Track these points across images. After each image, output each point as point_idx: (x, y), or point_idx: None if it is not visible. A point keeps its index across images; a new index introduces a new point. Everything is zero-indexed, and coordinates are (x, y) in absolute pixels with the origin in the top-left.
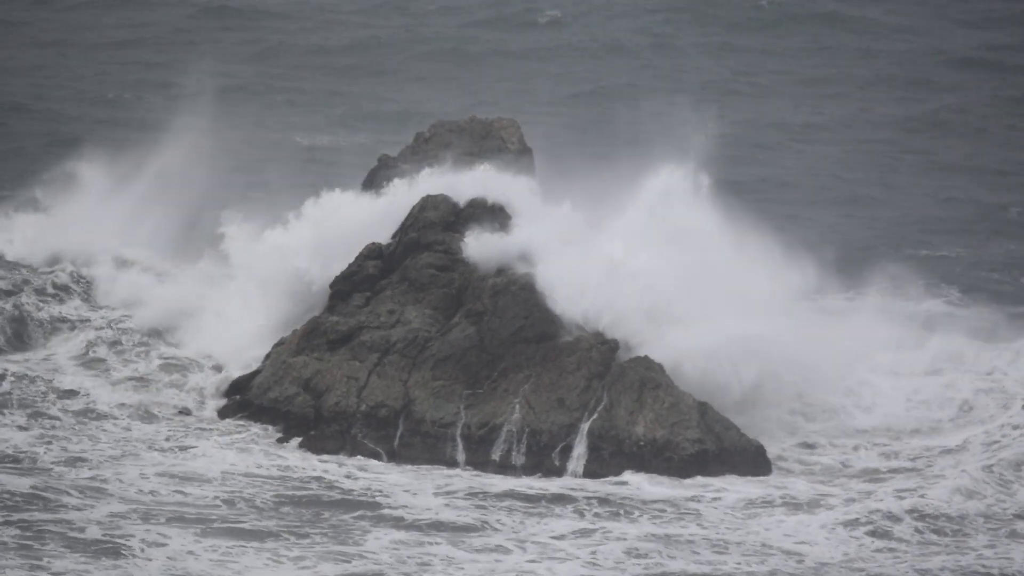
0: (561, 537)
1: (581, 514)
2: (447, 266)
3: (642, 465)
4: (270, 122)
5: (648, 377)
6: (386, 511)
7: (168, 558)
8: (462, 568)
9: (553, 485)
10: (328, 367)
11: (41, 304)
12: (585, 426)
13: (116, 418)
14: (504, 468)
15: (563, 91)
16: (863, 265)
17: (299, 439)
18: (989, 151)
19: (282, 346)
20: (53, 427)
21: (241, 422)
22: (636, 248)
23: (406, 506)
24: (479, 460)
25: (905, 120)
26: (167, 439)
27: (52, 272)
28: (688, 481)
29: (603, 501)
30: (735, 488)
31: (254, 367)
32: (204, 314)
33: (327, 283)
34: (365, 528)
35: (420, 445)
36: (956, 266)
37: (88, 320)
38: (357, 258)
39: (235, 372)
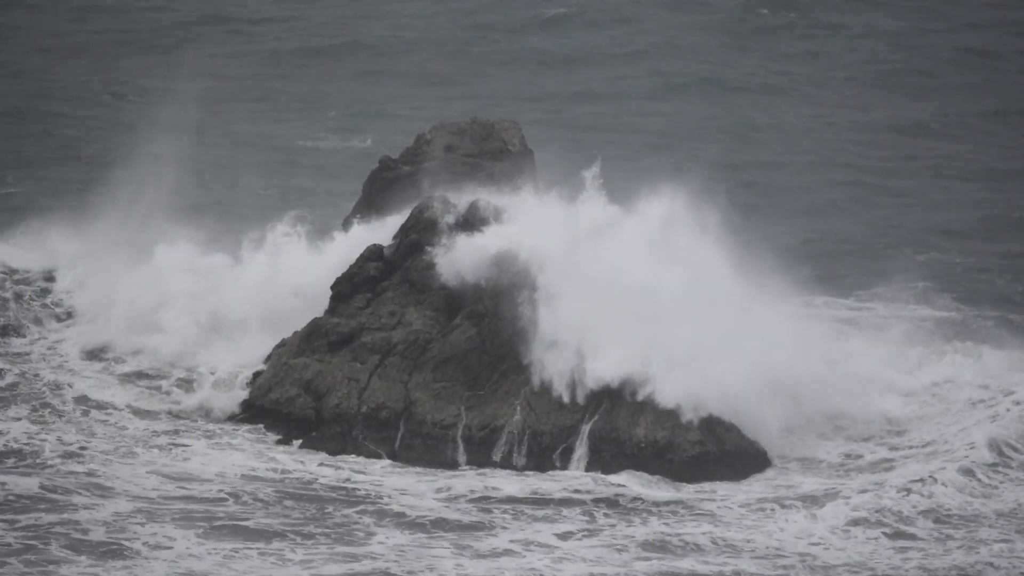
0: (567, 537)
1: (587, 515)
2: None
3: (643, 467)
4: (272, 124)
5: None
6: (390, 512)
7: (174, 559)
8: (468, 569)
9: (557, 487)
10: (329, 368)
11: (45, 298)
12: (586, 427)
13: (119, 416)
14: (505, 470)
15: (566, 92)
16: (864, 268)
17: (300, 440)
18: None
19: (283, 347)
20: (57, 424)
21: (242, 423)
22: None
23: (410, 507)
24: (480, 461)
25: (908, 120)
26: (169, 439)
27: (54, 271)
28: (689, 483)
29: (607, 502)
30: (739, 488)
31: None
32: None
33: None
34: (369, 529)
35: (421, 447)
36: (957, 269)
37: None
38: (358, 259)
39: (238, 371)
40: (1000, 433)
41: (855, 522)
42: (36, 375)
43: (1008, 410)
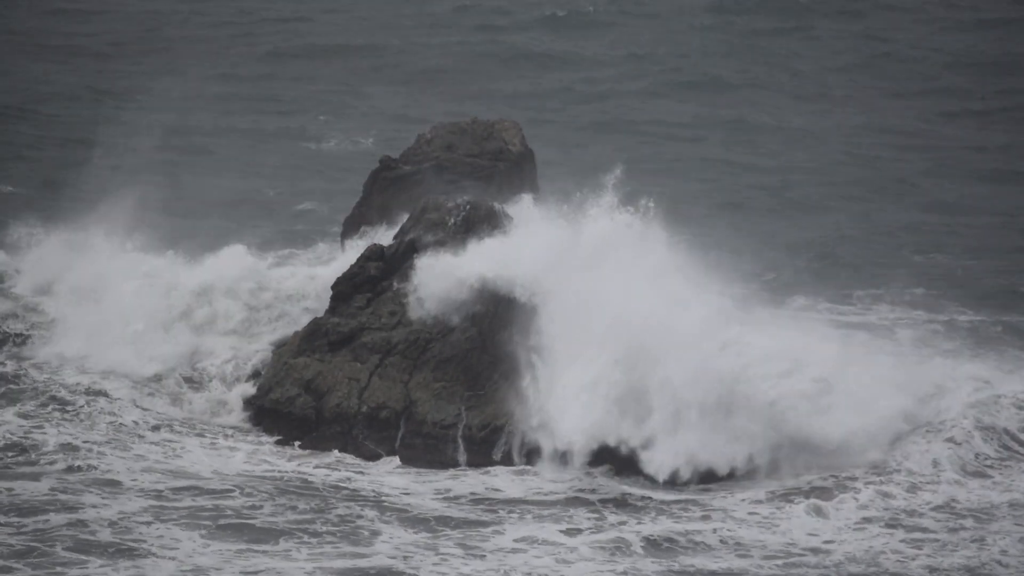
0: (574, 535)
1: (594, 513)
2: None
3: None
4: (274, 124)
5: None
6: (393, 510)
7: (182, 559)
8: (476, 566)
9: (563, 486)
10: (329, 368)
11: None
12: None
13: (119, 414)
14: (507, 467)
15: (567, 90)
16: (864, 268)
17: (300, 440)
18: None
19: (283, 347)
20: (61, 422)
21: (246, 422)
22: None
23: (413, 506)
24: (481, 461)
25: (910, 121)
26: (170, 438)
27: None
28: (698, 482)
29: (615, 501)
30: (748, 486)
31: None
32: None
33: None
34: (374, 527)
35: (421, 446)
36: (958, 271)
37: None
38: (359, 259)
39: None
40: (1010, 427)
41: (866, 519)
42: (36, 370)
43: (1020, 408)
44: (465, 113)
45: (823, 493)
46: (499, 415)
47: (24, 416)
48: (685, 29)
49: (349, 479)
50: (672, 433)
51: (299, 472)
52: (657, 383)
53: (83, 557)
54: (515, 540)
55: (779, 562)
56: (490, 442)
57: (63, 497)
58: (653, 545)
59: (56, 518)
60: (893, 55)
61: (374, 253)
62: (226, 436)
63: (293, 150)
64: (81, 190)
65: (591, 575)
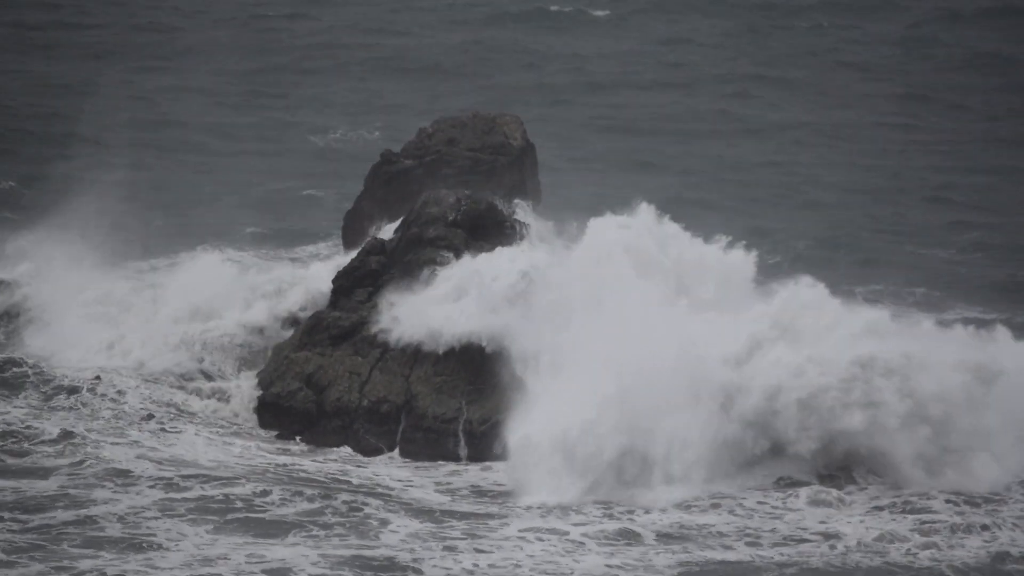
0: (582, 527)
1: (602, 505)
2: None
3: None
4: (276, 122)
5: None
6: (398, 504)
7: (190, 551)
8: (485, 558)
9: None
10: (330, 362)
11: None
12: None
13: (121, 412)
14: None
15: (568, 88)
16: (863, 267)
17: (301, 434)
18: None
19: (284, 341)
20: (61, 411)
21: (244, 417)
22: None
23: (417, 499)
24: (481, 455)
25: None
26: (171, 435)
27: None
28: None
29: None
30: (757, 475)
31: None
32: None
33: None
34: (381, 520)
35: (422, 440)
36: (960, 269)
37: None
38: (359, 253)
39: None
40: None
41: (877, 507)
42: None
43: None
44: (473, 107)
45: (834, 480)
46: (500, 409)
47: (25, 406)
48: (689, 25)
49: (351, 472)
50: None
51: (301, 465)
52: None
53: (93, 550)
54: (521, 531)
55: (790, 550)
56: (491, 436)
57: (72, 492)
58: (663, 536)
59: (64, 515)
60: (899, 52)
61: (375, 247)
62: (228, 429)
63: (299, 144)
64: (79, 187)
65: (602, 567)
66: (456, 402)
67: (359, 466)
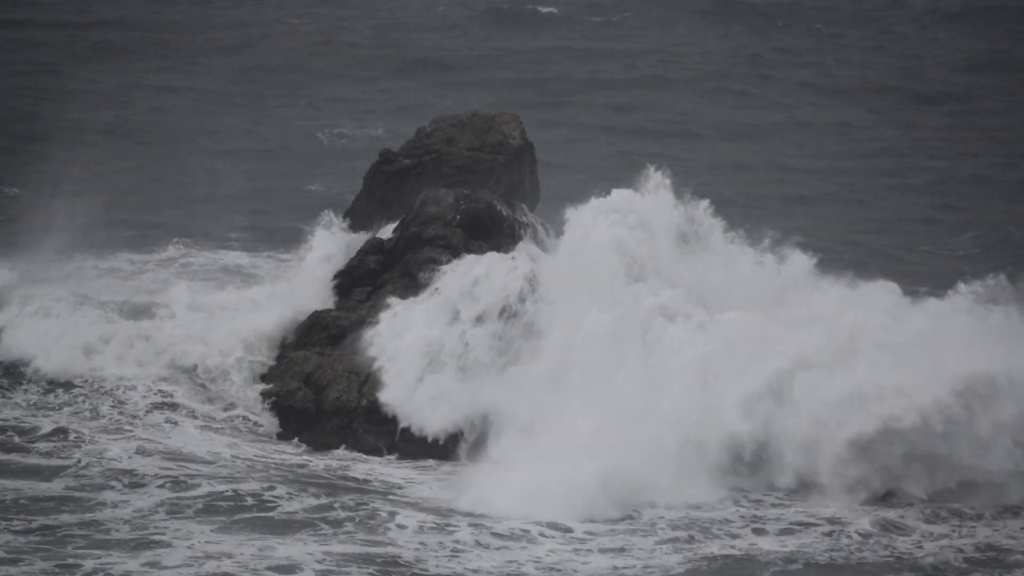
0: (588, 523)
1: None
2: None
3: None
4: (277, 120)
5: None
6: (401, 502)
7: (196, 547)
8: (493, 558)
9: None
10: (329, 362)
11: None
12: None
13: (122, 410)
14: None
15: (569, 86)
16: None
17: (300, 434)
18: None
19: (283, 341)
20: (70, 415)
21: (243, 416)
22: None
23: (420, 498)
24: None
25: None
26: (172, 432)
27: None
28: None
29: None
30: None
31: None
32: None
33: None
34: (386, 517)
35: (421, 440)
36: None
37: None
38: (359, 253)
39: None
40: None
41: (887, 493)
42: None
43: None
44: (473, 105)
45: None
46: None
47: (24, 403)
48: (690, 24)
49: (352, 472)
50: None
51: (302, 464)
52: None
53: (98, 551)
54: (523, 528)
55: (794, 540)
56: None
57: (76, 492)
58: (672, 528)
59: (67, 516)
60: (911, 53)
61: (374, 247)
62: (226, 428)
63: (299, 144)
64: (76, 186)
65: (609, 567)
66: None
67: (360, 465)
